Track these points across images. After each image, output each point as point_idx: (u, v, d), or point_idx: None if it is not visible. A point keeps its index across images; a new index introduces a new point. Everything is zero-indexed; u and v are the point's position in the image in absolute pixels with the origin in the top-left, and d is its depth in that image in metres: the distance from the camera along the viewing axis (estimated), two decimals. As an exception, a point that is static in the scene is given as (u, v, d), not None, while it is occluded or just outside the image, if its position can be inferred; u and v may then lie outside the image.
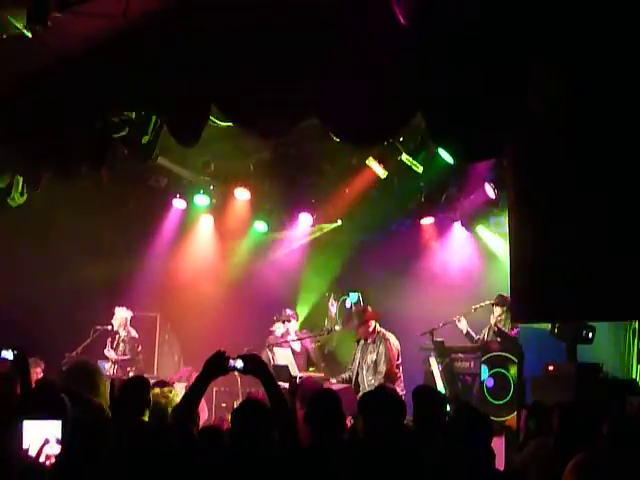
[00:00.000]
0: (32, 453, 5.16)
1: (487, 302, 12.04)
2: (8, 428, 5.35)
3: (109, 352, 12.67)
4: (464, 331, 12.04)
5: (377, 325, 11.21)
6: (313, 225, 14.60)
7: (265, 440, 4.60)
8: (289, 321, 13.44)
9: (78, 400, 6.04)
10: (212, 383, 5.23)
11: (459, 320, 12.03)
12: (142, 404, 6.06)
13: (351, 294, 14.94)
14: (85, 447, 5.04)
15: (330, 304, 15.32)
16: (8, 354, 6.24)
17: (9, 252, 12.13)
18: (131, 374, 12.21)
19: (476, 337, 11.94)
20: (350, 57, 7.22)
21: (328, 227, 14.81)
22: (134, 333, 13.00)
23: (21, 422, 5.30)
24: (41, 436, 5.22)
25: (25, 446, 5.17)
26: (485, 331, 11.95)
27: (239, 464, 4.50)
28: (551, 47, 6.58)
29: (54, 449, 5.21)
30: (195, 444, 5.01)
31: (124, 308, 12.94)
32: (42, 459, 5.17)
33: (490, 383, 10.65)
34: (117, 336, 12.84)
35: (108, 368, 12.44)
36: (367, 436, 5.51)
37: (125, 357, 12.61)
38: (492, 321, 11.82)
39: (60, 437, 5.23)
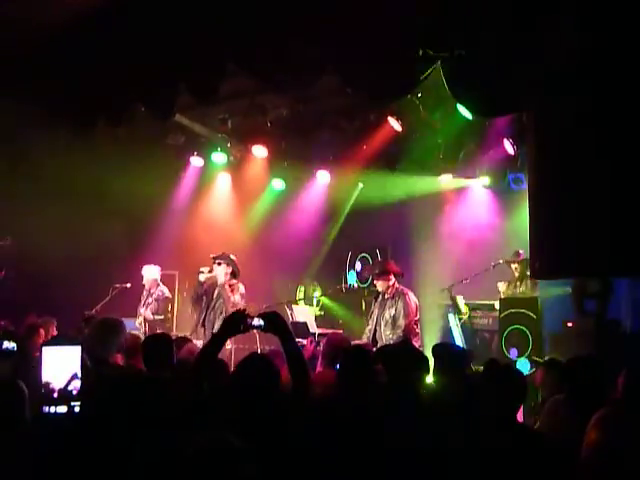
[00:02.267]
0: (55, 384, 5.16)
1: (502, 260, 12.05)
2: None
3: (145, 311, 12.65)
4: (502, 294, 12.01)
5: (396, 282, 11.19)
6: (331, 182, 14.56)
7: (265, 393, 4.60)
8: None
9: (100, 359, 6.10)
10: (231, 341, 5.25)
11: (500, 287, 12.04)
12: (162, 360, 6.12)
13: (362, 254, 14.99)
14: (107, 401, 5.06)
15: (348, 262, 15.36)
16: (9, 344, 6.32)
17: (28, 212, 12.16)
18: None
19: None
20: (368, 11, 7.15)
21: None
22: (167, 292, 12.96)
23: (40, 348, 5.33)
24: (61, 364, 5.20)
25: (47, 373, 5.17)
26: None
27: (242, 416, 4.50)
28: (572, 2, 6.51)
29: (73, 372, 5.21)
30: (206, 400, 5.03)
31: (152, 265, 12.89)
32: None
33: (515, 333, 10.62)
34: (148, 295, 12.82)
35: (138, 325, 12.46)
36: (390, 390, 5.52)
37: (158, 316, 12.59)
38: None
39: (79, 365, 5.22)
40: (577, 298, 9.58)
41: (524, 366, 9.93)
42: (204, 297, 11.55)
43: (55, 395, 5.08)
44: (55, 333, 9.15)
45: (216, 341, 5.10)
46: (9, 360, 6.30)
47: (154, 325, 12.51)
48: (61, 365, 5.20)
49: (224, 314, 11.14)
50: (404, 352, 5.97)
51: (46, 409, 5.04)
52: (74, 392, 5.14)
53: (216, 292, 11.49)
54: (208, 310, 11.49)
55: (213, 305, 11.45)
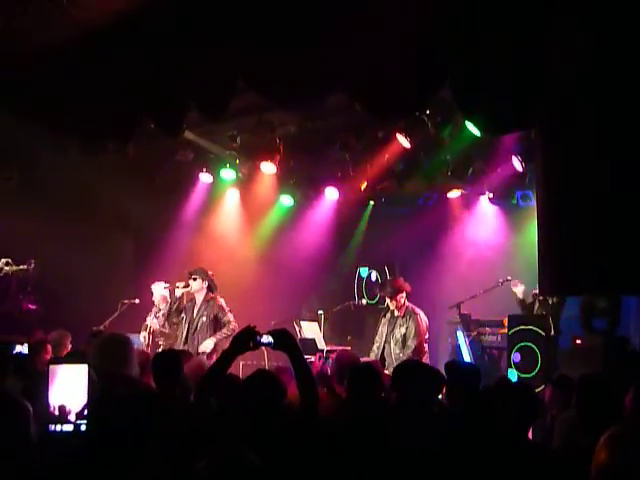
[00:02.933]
0: (59, 403, 5.16)
1: (509, 277, 12.05)
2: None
3: (152, 320, 12.65)
4: (519, 296, 11.98)
5: (406, 299, 11.19)
6: (339, 199, 14.57)
7: (271, 409, 4.61)
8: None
9: (107, 375, 6.10)
10: (240, 357, 5.24)
11: (516, 285, 11.99)
12: (173, 377, 6.13)
13: (364, 268, 14.99)
14: (114, 418, 5.06)
15: (356, 279, 15.35)
16: (22, 348, 6.33)
17: (39, 226, 12.19)
18: (161, 347, 12.26)
19: (528, 302, 11.88)
20: (377, 29, 7.17)
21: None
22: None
23: (47, 366, 5.33)
24: (69, 382, 5.20)
25: (54, 392, 5.17)
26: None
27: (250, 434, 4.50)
28: (580, 17, 6.51)
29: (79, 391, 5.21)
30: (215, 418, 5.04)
31: (162, 283, 12.92)
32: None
33: (517, 358, 10.62)
34: (158, 309, 12.82)
35: (142, 339, 12.46)
36: (400, 408, 5.52)
37: (164, 329, 12.60)
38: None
39: (87, 384, 5.22)
40: (585, 315, 9.57)
41: (512, 376, 9.97)
42: (184, 314, 11.63)
43: (68, 416, 5.09)
44: (69, 347, 9.14)
45: (225, 359, 5.10)
46: (17, 376, 6.30)
47: (157, 336, 12.53)
48: (68, 384, 5.21)
49: (210, 331, 11.40)
50: (417, 370, 5.96)
51: (52, 427, 5.05)
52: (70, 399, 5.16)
53: (195, 309, 11.64)
54: (190, 328, 11.59)
55: (195, 323, 11.58)
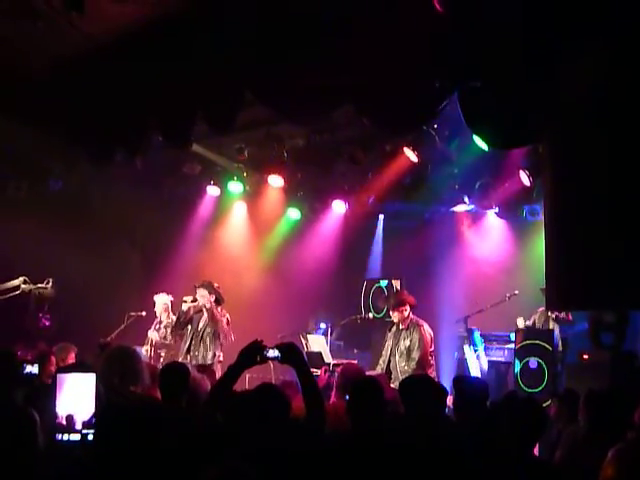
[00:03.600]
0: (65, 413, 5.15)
1: (516, 292, 12.03)
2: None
3: (152, 333, 12.68)
4: (522, 325, 11.98)
5: (411, 312, 11.17)
6: (347, 212, 14.58)
7: (275, 423, 4.60)
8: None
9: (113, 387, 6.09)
10: (246, 371, 5.23)
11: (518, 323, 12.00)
12: (179, 390, 6.12)
13: (381, 281, 14.95)
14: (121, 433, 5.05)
15: (363, 292, 15.33)
16: (33, 369, 6.34)
17: (45, 239, 12.22)
18: (162, 359, 12.27)
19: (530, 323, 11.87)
20: (385, 43, 7.18)
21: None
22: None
23: (55, 375, 5.32)
24: (76, 392, 5.20)
25: (61, 401, 5.16)
26: (535, 317, 11.88)
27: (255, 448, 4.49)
28: (587, 34, 6.52)
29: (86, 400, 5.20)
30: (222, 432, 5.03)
31: (164, 294, 12.94)
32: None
33: (531, 365, 10.55)
34: (159, 321, 12.85)
35: (145, 352, 12.48)
36: (407, 424, 5.50)
37: (165, 341, 12.63)
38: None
39: (94, 393, 5.22)
40: (594, 330, 9.54)
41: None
42: (190, 325, 11.72)
43: (75, 426, 5.08)
44: (73, 360, 9.13)
45: (232, 373, 5.09)
46: (24, 388, 6.30)
47: (159, 349, 12.55)
48: (75, 393, 5.20)
49: (214, 343, 11.44)
50: (422, 384, 5.95)
51: (59, 437, 5.04)
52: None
53: (202, 321, 11.70)
54: (193, 338, 11.65)
55: (200, 335, 11.65)
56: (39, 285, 12.45)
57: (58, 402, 5.12)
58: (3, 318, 11.44)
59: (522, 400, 5.56)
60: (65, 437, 5.02)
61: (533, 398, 5.43)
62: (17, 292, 12.25)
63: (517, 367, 10.69)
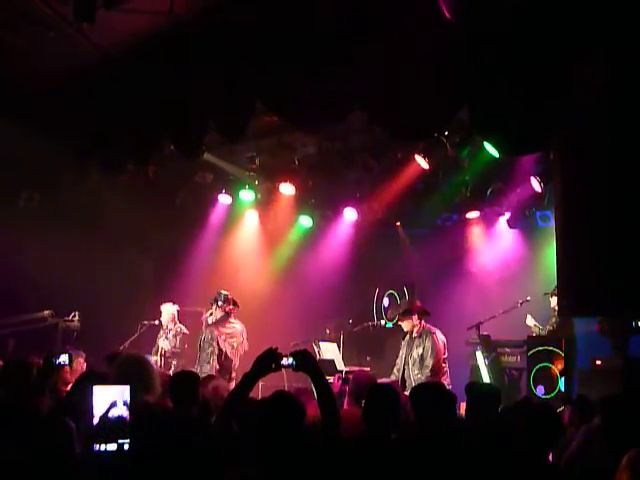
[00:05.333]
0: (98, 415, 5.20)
1: (528, 298, 12.03)
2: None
3: (163, 342, 12.75)
4: (531, 326, 12.00)
5: (422, 320, 11.17)
6: (358, 220, 14.59)
7: (290, 430, 4.61)
8: None
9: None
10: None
11: (528, 319, 12.02)
12: (190, 399, 6.15)
13: (394, 289, 14.98)
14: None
15: (375, 299, 15.34)
16: (64, 358, 6.34)
17: (56, 248, 12.27)
18: (173, 368, 12.33)
19: (545, 328, 11.87)
20: (396, 51, 7.21)
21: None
22: (185, 330, 13.05)
23: (90, 387, 5.36)
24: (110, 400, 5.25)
25: (95, 411, 5.21)
26: (553, 321, 11.89)
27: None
28: (597, 41, 6.53)
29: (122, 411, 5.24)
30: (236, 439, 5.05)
31: (170, 303, 13.01)
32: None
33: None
34: (168, 329, 12.91)
35: (154, 362, 12.54)
36: (420, 431, 5.52)
37: (175, 350, 12.70)
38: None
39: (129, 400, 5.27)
40: (616, 336, 9.50)
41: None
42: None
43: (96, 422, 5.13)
44: (84, 367, 9.17)
45: (248, 380, 5.11)
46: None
47: (170, 358, 12.61)
48: (110, 404, 5.25)
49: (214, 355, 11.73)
50: (431, 391, 5.97)
51: (96, 447, 5.08)
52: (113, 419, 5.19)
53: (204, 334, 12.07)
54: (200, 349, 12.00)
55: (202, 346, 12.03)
56: (66, 318, 12.55)
57: (94, 413, 5.18)
58: (31, 349, 11.49)
59: (538, 406, 5.56)
60: (102, 447, 5.06)
61: (548, 404, 5.42)
62: (44, 324, 12.36)
63: (530, 373, 10.68)
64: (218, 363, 11.75)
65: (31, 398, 5.98)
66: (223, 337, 11.90)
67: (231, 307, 12.07)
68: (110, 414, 5.14)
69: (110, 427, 5.07)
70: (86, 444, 5.13)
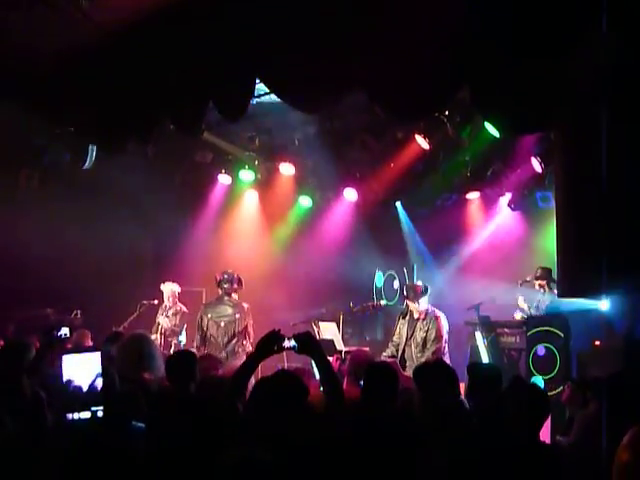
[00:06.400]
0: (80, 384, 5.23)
1: (527, 278, 12.05)
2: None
3: (163, 319, 12.76)
4: (525, 309, 12.02)
5: (427, 302, 11.18)
6: (358, 200, 14.58)
7: (294, 409, 4.62)
8: None
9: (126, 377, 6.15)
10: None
11: (519, 302, 12.05)
12: (187, 377, 6.17)
13: (393, 269, 15.00)
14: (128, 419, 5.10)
15: (376, 279, 15.35)
16: (65, 330, 6.35)
17: (57, 228, 12.26)
18: (173, 347, 12.37)
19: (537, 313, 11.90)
20: (396, 30, 7.17)
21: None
22: (184, 308, 13.07)
23: (61, 357, 5.38)
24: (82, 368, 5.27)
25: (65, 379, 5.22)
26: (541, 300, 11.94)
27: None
28: (600, 21, 6.49)
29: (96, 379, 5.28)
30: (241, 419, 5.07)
31: (171, 282, 13.03)
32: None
33: (541, 352, 10.54)
34: (167, 308, 12.92)
35: (153, 340, 12.57)
36: (425, 409, 5.54)
37: (175, 328, 12.72)
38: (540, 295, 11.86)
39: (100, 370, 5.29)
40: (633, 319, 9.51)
41: (539, 382, 9.92)
42: None
43: (82, 391, 5.16)
44: (90, 344, 9.22)
45: (251, 362, 5.14)
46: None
47: (170, 337, 12.63)
48: (81, 372, 5.27)
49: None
50: (439, 370, 5.99)
51: (70, 416, 5.10)
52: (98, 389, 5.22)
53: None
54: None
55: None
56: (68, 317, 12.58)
57: (66, 382, 5.20)
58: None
59: (524, 385, 5.58)
60: (76, 416, 5.08)
61: (535, 384, 5.44)
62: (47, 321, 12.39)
63: (529, 353, 10.69)
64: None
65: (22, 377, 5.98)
66: (209, 316, 11.92)
67: (227, 286, 12.07)
68: (95, 383, 5.18)
69: (83, 395, 5.11)
70: (59, 413, 5.16)
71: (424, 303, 11.09)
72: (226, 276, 12.09)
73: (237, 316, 11.85)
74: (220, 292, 12.08)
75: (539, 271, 11.94)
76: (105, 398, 5.14)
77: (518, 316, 12.12)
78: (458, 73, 7.24)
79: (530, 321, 11.23)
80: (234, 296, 12.08)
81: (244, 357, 9.90)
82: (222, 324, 11.75)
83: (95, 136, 10.29)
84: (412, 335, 11.04)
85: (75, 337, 9.26)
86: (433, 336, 10.80)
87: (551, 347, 10.42)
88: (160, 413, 5.15)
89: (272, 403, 4.57)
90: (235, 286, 12.10)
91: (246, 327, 11.81)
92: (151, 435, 5.04)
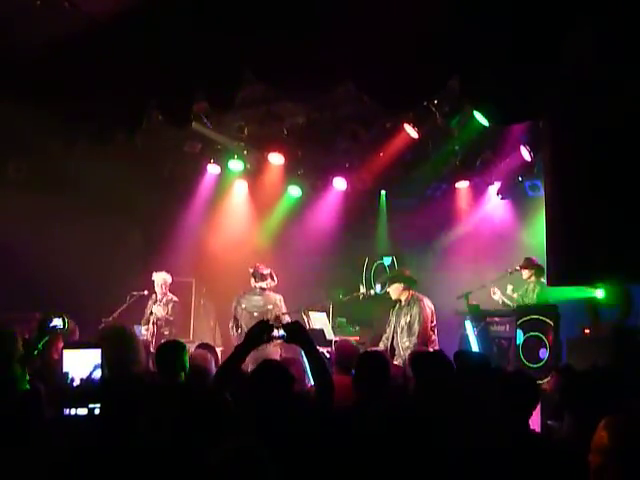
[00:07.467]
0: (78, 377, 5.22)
1: (517, 267, 12.07)
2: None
3: (157, 308, 12.75)
4: (500, 302, 12.07)
5: (410, 288, 11.21)
6: (347, 190, 14.57)
7: (280, 399, 4.64)
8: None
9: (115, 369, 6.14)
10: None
11: (494, 292, 12.08)
12: (177, 367, 6.16)
13: (385, 258, 14.99)
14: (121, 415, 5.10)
15: (365, 269, 15.36)
16: (58, 322, 6.30)
17: (44, 218, 12.22)
18: (165, 336, 12.35)
19: (513, 304, 11.92)
20: (385, 18, 7.16)
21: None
22: (175, 298, 13.06)
23: (61, 351, 5.37)
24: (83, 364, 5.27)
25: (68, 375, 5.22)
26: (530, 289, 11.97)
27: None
28: (586, 9, 6.50)
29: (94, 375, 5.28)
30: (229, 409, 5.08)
31: (163, 272, 13.01)
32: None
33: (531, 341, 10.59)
34: (160, 297, 12.91)
35: (145, 331, 12.55)
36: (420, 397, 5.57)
37: (168, 317, 12.73)
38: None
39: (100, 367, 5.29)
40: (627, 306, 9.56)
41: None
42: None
43: (77, 383, 5.15)
44: (77, 337, 9.18)
45: (240, 352, 5.14)
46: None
47: (162, 327, 12.62)
48: (82, 368, 5.26)
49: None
50: (435, 359, 6.03)
51: (67, 411, 5.09)
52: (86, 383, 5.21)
53: None
54: None
55: None
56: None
57: (65, 377, 5.19)
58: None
59: (511, 373, 5.61)
60: (73, 411, 5.07)
61: (523, 371, 5.45)
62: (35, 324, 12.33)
63: (518, 342, 10.70)
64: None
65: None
66: (243, 306, 11.97)
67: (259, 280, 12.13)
68: (91, 377, 5.17)
69: (81, 391, 5.11)
70: (57, 408, 5.16)
71: (400, 289, 11.15)
72: (259, 271, 12.12)
73: (269, 307, 11.88)
74: (253, 284, 12.08)
75: (524, 261, 11.98)
76: (103, 394, 5.14)
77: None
78: (448, 63, 7.24)
79: (520, 310, 11.25)
80: (267, 287, 12.11)
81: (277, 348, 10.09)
82: (255, 314, 11.76)
83: (83, 126, 10.24)
84: (398, 321, 11.11)
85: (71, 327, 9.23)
86: (417, 319, 10.84)
87: (541, 335, 10.43)
88: (154, 405, 5.15)
89: (256, 392, 4.59)
90: (268, 280, 12.14)
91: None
92: (148, 426, 5.04)
